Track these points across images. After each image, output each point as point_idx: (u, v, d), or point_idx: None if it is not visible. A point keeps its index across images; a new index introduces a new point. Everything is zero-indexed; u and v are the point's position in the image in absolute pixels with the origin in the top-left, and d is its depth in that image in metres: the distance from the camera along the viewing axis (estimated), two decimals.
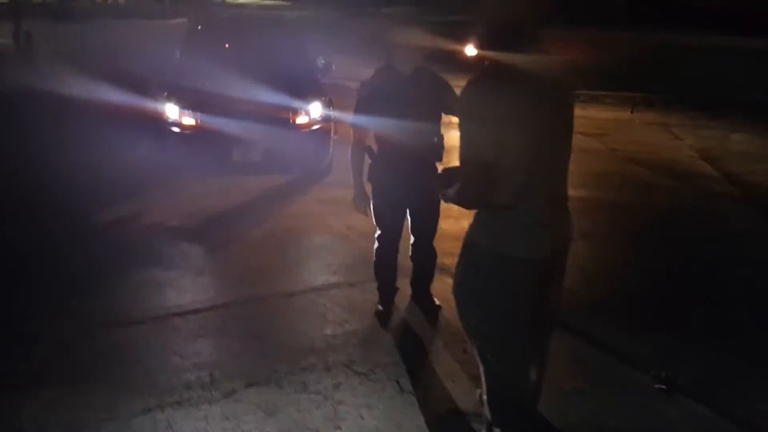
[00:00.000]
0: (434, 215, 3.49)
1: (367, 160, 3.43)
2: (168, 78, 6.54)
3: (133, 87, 7.62)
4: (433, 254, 3.63)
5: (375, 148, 3.37)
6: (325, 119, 6.42)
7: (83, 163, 6.36)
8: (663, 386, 2.97)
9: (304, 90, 6.34)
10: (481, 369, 2.19)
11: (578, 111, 2.13)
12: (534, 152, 1.88)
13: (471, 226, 2.06)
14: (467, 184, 1.85)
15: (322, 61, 7.37)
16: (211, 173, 5.99)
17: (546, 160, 1.93)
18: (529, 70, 1.86)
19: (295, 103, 6.18)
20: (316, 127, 6.32)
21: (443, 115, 3.30)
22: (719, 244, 4.90)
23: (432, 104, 3.21)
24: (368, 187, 3.46)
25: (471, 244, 2.04)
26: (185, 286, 4.08)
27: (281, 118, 6.13)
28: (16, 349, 3.27)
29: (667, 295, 4.02)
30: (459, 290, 2.11)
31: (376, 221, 3.49)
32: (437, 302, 3.69)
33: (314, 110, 6.34)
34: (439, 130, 3.28)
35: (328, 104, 6.52)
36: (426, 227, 3.53)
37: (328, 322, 3.62)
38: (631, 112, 10.25)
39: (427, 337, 3.52)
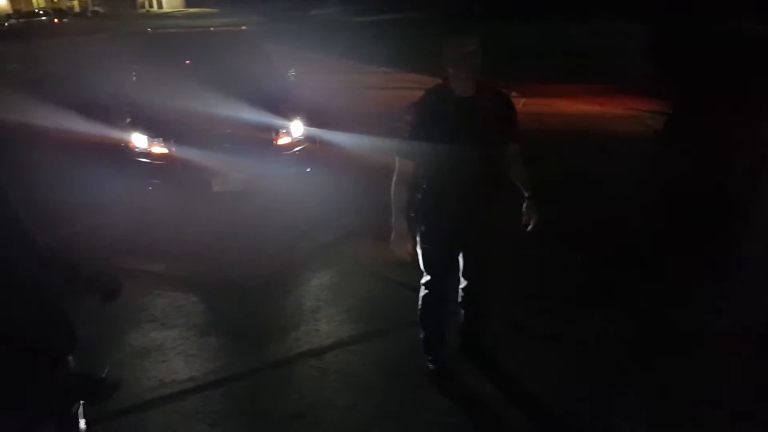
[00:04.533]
0: (493, 257, 3.08)
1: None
2: (128, 102, 5.84)
3: (84, 112, 6.84)
4: (488, 299, 3.22)
5: (425, 182, 2.88)
6: (308, 139, 5.91)
7: (35, 199, 5.59)
8: None
9: (282, 106, 5.81)
10: None
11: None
12: None
13: None
14: None
15: (293, 74, 6.85)
16: (187, 208, 5.32)
17: None
18: None
19: (275, 122, 5.65)
20: (298, 148, 5.81)
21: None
22: None
23: (498, 130, 2.74)
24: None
25: None
26: (191, 350, 3.52)
27: (261, 141, 5.59)
28: None
29: None
30: None
31: (424, 266, 3.04)
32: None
33: (296, 129, 5.82)
34: (502, 160, 2.86)
35: (310, 121, 5.99)
36: (483, 271, 3.12)
37: (372, 391, 3.15)
38: None
39: (493, 398, 3.10)
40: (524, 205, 3.00)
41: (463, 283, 3.16)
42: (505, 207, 2.98)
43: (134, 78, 6.37)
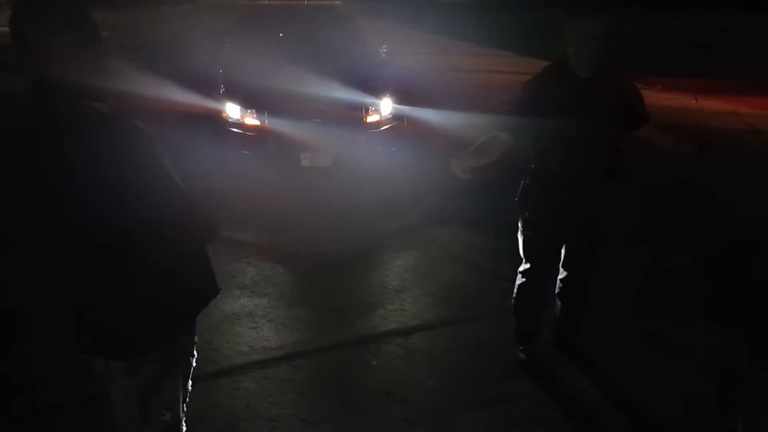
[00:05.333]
0: (596, 246, 2.94)
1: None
2: (222, 73, 5.95)
3: (177, 80, 7.01)
4: (587, 292, 3.09)
5: (534, 165, 2.78)
6: (397, 117, 5.86)
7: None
8: None
9: (372, 84, 5.77)
10: None
11: None
12: None
13: None
14: None
15: (385, 50, 6.79)
16: (277, 180, 5.38)
17: None
18: None
19: (366, 100, 5.62)
20: (387, 126, 5.77)
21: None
22: None
23: (615, 116, 2.59)
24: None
25: None
26: (281, 319, 3.57)
27: (351, 118, 5.58)
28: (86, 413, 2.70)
29: None
30: None
31: (524, 254, 2.95)
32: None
33: (385, 107, 5.78)
34: (618, 148, 2.71)
35: (399, 100, 5.94)
36: (586, 264, 2.99)
37: (461, 376, 3.10)
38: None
39: (588, 395, 2.98)
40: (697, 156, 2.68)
41: (562, 274, 3.04)
42: (616, 200, 2.85)
43: (228, 49, 6.48)
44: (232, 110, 5.48)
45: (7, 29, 1.52)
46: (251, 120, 5.42)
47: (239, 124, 5.45)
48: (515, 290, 3.07)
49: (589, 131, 2.50)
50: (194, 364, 2.11)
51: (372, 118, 5.67)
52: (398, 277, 4.12)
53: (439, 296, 3.89)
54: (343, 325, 3.53)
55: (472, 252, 4.44)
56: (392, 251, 4.49)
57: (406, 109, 6.04)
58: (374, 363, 3.20)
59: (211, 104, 5.76)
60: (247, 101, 5.46)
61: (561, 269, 3.04)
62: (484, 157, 2.62)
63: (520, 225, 2.89)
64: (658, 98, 9.33)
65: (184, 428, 2.03)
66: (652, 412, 2.85)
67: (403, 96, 6.08)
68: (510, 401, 2.91)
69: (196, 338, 2.07)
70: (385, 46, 6.78)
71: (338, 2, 7.39)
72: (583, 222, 2.81)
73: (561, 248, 2.94)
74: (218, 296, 3.67)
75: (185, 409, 2.17)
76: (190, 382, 2.17)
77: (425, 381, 3.06)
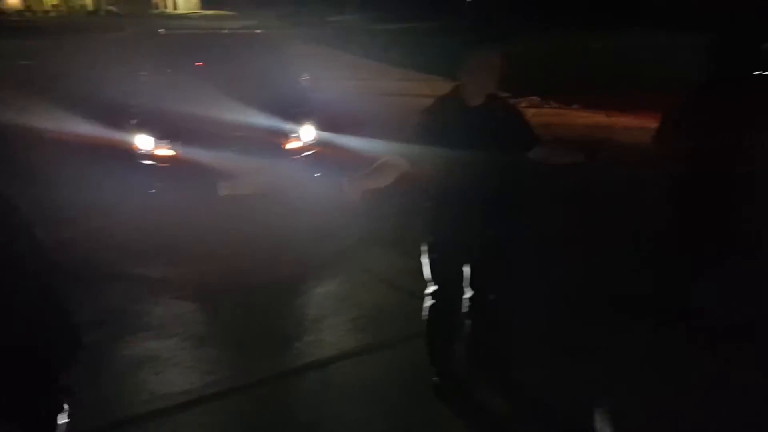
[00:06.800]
0: (502, 263, 2.90)
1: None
2: (135, 103, 5.70)
3: (90, 112, 6.70)
4: (497, 309, 3.00)
5: (432, 190, 2.76)
6: (319, 143, 5.75)
7: (36, 200, 5.45)
8: None
9: (293, 111, 5.65)
10: None
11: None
12: None
13: None
14: None
15: (306, 78, 6.70)
16: (192, 212, 5.13)
17: None
18: None
19: (285, 126, 5.49)
20: (308, 152, 5.65)
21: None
22: None
23: (504, 141, 2.63)
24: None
25: None
26: (188, 362, 3.34)
27: (270, 144, 5.43)
28: None
29: None
30: None
31: (432, 276, 2.88)
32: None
33: (306, 133, 5.66)
34: (512, 171, 2.70)
35: (321, 126, 5.83)
36: (492, 281, 2.95)
37: (383, 405, 2.96)
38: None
39: (511, 412, 2.90)
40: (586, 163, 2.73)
41: (468, 293, 2.98)
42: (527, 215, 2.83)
43: (144, 79, 6.24)
44: (143, 142, 5.24)
45: None
46: (163, 151, 5.18)
47: (150, 155, 5.21)
48: (426, 313, 2.97)
49: (480, 157, 2.55)
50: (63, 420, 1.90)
51: (292, 145, 5.54)
52: (317, 306, 3.97)
53: (359, 323, 3.74)
54: (255, 362, 3.32)
55: (394, 273, 4.32)
56: (313, 279, 4.34)
57: (328, 135, 5.94)
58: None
59: (122, 136, 5.50)
60: (160, 131, 5.23)
61: (468, 288, 2.97)
62: (380, 179, 2.69)
63: (425, 248, 2.83)
64: (573, 117, 9.63)
65: None
66: (577, 425, 2.78)
67: (326, 122, 5.97)
68: (431, 428, 2.79)
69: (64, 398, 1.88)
70: (306, 74, 6.69)
71: (258, 31, 7.27)
72: (485, 242, 2.78)
73: (464, 268, 2.88)
74: (121, 340, 3.49)
75: None
76: None
77: (345, 414, 2.90)
